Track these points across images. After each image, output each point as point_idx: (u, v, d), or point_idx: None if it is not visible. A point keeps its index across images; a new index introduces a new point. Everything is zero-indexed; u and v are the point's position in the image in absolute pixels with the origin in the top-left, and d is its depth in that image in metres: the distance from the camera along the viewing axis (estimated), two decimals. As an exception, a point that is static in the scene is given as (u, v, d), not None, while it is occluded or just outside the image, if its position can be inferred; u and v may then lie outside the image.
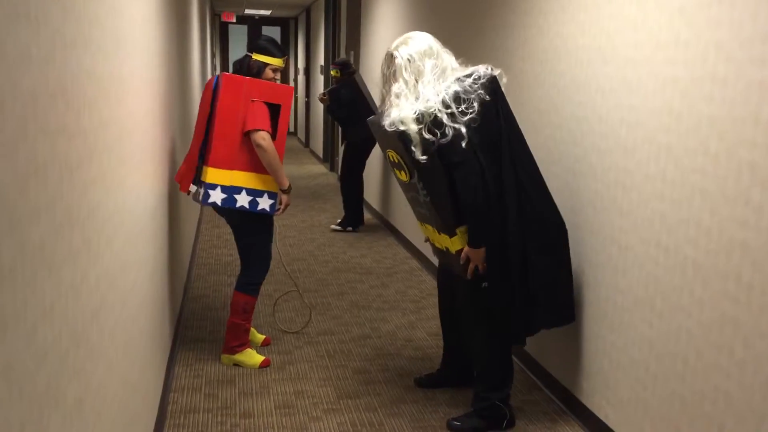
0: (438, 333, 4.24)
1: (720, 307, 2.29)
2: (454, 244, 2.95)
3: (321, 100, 6.82)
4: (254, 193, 3.51)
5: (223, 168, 3.45)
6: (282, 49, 3.69)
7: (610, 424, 2.95)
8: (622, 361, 2.86)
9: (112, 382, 1.97)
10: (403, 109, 2.84)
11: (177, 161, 4.26)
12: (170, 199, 3.81)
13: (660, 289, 2.61)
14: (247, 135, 3.44)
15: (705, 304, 2.36)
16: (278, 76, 3.67)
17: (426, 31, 3.08)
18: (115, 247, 2.07)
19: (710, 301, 2.34)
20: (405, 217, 6.23)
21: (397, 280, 5.31)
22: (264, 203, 3.53)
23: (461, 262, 2.94)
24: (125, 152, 2.30)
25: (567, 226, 3.16)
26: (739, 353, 2.20)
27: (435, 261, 5.23)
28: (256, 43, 3.64)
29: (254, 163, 3.48)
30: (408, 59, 2.90)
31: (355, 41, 8.84)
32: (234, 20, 16.16)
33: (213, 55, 14.63)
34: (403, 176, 3.02)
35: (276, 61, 3.62)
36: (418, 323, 4.42)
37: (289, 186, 3.57)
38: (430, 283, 5.23)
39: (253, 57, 3.60)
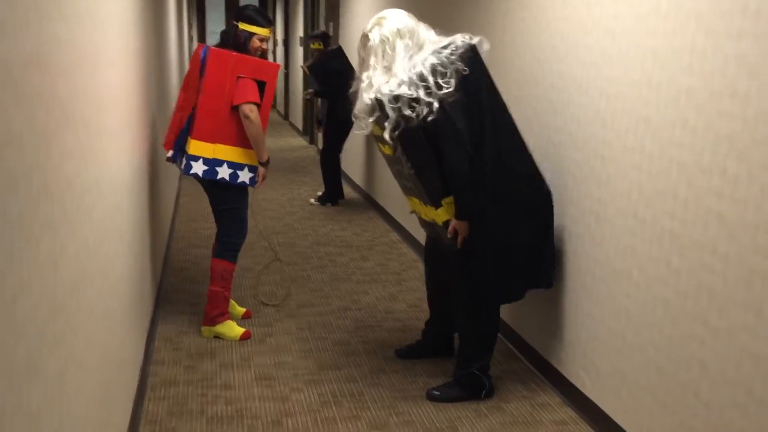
0: (417, 305, 4.26)
1: (696, 278, 2.33)
2: (440, 215, 2.97)
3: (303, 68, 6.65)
4: (235, 166, 3.57)
5: (206, 141, 3.51)
6: (269, 18, 3.67)
7: (588, 393, 3.00)
8: (599, 331, 2.90)
9: (92, 354, 1.97)
10: (366, 92, 2.86)
11: (155, 132, 4.21)
12: (149, 172, 3.78)
13: (637, 260, 2.64)
14: (234, 109, 3.48)
15: (681, 274, 2.40)
16: (265, 45, 3.66)
17: (405, 3, 3.05)
18: (94, 218, 2.06)
19: (687, 272, 2.37)
20: (385, 191, 6.23)
21: (378, 253, 5.33)
22: (244, 176, 3.59)
23: (449, 235, 2.96)
24: (103, 122, 2.27)
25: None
26: (714, 322, 2.24)
27: (418, 234, 5.25)
28: (243, 13, 3.61)
29: (237, 137, 3.54)
30: (381, 40, 2.90)
31: (334, 12, 8.75)
32: (211, -10, 15.89)
33: (190, 26, 14.41)
34: (387, 150, 3.02)
35: (263, 31, 3.61)
36: (398, 295, 4.44)
37: (268, 159, 3.61)
38: (410, 256, 5.25)
39: (240, 26, 3.57)
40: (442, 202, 2.94)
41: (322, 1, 9.51)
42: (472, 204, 2.90)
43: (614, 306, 2.79)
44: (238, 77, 3.46)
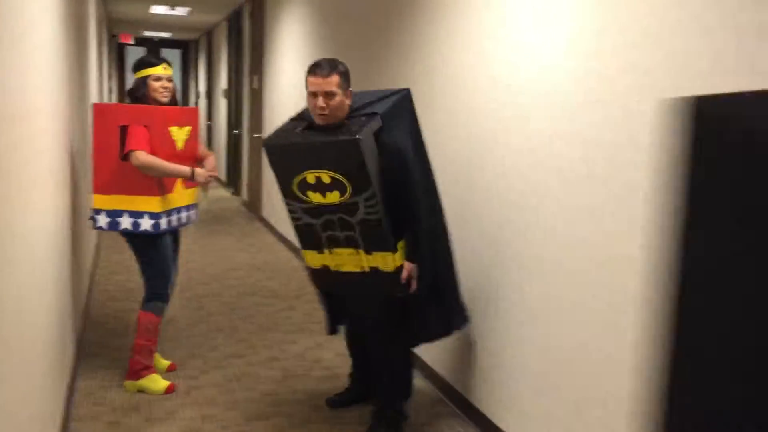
0: (345, 353, 4.25)
1: (610, 318, 2.46)
2: (396, 260, 2.97)
3: None
4: (135, 215, 3.55)
5: (104, 194, 3.56)
6: (159, 57, 3.73)
7: (512, 434, 3.08)
8: (522, 373, 3.01)
9: (12, 408, 1.92)
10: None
11: (78, 182, 4.16)
12: (71, 223, 3.72)
13: (555, 303, 2.77)
14: (125, 159, 3.49)
15: (597, 315, 2.53)
16: (166, 83, 3.62)
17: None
18: (15, 271, 2.03)
19: (601, 313, 2.51)
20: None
21: (305, 302, 5.34)
22: (145, 224, 3.55)
23: (404, 279, 2.98)
24: (30, 172, 2.26)
25: (470, 244, 3.32)
26: (628, 360, 2.38)
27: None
28: (135, 64, 3.69)
29: (133, 185, 3.53)
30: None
31: (258, 64, 8.85)
32: (132, 42, 15.81)
33: (109, 77, 14.24)
34: (335, 197, 2.88)
35: (154, 70, 3.61)
36: (325, 344, 4.46)
37: (193, 170, 3.58)
38: (337, 305, 5.28)
39: (136, 76, 3.64)
40: (398, 247, 2.99)
41: (247, 53, 9.61)
42: (426, 247, 3.01)
43: (534, 347, 2.91)
44: (122, 126, 3.48)
